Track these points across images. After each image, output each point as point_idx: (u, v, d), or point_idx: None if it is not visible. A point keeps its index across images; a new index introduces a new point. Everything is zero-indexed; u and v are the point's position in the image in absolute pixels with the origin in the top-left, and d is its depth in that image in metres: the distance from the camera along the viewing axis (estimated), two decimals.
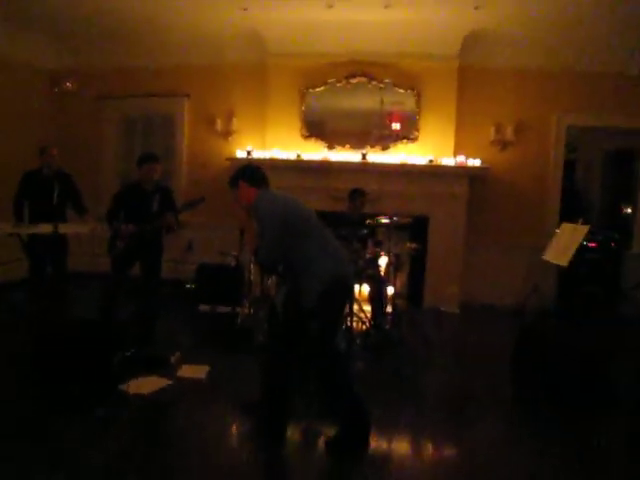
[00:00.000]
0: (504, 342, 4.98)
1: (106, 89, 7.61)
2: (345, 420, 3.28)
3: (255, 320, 5.34)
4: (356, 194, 5.66)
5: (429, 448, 3.38)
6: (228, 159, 7.12)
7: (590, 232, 5.11)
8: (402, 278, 6.31)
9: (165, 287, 5.21)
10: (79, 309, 5.44)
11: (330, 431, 3.31)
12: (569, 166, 7.69)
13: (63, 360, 3.88)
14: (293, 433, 3.43)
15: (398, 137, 6.87)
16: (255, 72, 7.18)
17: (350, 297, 3.91)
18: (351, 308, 4.90)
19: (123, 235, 4.77)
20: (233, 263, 5.97)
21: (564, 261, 4.71)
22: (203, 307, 6.03)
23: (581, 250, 4.93)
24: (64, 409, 3.55)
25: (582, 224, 4.92)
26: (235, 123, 7.27)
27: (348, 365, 3.53)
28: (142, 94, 7.47)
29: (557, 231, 5.31)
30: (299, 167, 6.85)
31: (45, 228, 4.73)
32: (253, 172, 3.48)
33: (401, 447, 3.38)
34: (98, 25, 6.72)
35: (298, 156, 6.88)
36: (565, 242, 4.89)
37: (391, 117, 6.89)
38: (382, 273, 5.61)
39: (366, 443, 3.26)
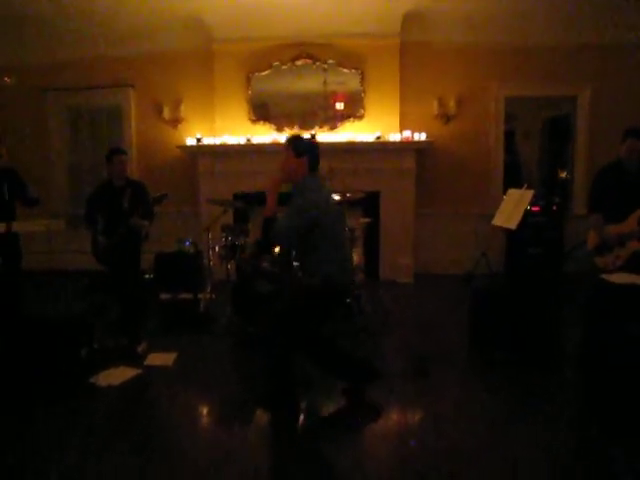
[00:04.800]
0: (457, 307, 5.23)
1: (50, 82, 7.44)
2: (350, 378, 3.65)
3: (218, 305, 5.43)
4: None
5: (394, 416, 3.48)
6: (179, 147, 7.13)
7: (533, 197, 5.38)
8: (358, 253, 6.47)
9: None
10: (38, 306, 5.44)
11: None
12: (510, 136, 7.99)
13: (29, 357, 3.91)
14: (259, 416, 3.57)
15: (345, 116, 7.00)
16: (200, 58, 7.16)
17: (340, 304, 4.12)
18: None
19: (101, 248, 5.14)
20: (192, 250, 6.00)
21: (512, 224, 4.96)
22: (164, 296, 6.02)
23: (525, 214, 5.21)
24: (34, 405, 3.56)
25: (527, 189, 5.17)
26: (183, 111, 7.25)
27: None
28: (86, 86, 7.36)
29: (504, 197, 5.56)
30: (250, 151, 6.91)
31: None
32: (317, 157, 3.50)
33: (366, 417, 3.48)
34: (36, 17, 6.55)
35: (248, 140, 6.93)
36: (512, 207, 5.13)
37: (335, 97, 7.01)
38: None
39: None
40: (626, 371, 3.48)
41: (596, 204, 4.25)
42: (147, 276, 6.32)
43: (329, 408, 3.61)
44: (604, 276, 3.78)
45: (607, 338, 3.59)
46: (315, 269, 3.44)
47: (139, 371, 4.10)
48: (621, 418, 3.27)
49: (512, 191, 5.38)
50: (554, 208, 6.71)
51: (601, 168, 4.35)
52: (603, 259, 4.03)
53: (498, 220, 5.22)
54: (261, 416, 3.49)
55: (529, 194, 5.02)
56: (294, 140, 3.56)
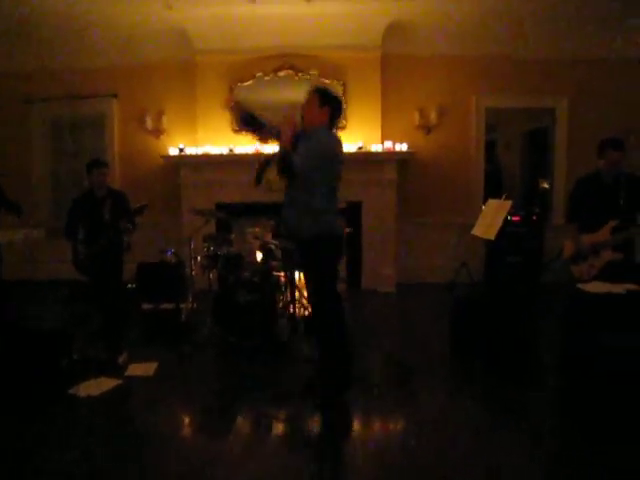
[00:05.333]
0: (439, 316, 5.26)
1: (32, 92, 7.41)
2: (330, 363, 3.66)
3: (199, 314, 5.42)
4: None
5: (376, 424, 3.49)
6: (163, 156, 7.12)
7: (513, 207, 5.45)
8: (341, 262, 6.48)
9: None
10: (18, 316, 5.38)
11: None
12: (491, 146, 8.10)
13: (10, 367, 3.88)
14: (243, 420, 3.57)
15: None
16: (183, 69, 7.19)
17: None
18: (293, 294, 5.08)
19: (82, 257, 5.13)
20: (174, 260, 5.98)
21: (491, 235, 5.01)
22: (146, 306, 5.99)
23: (505, 224, 5.27)
24: (16, 416, 3.53)
25: (506, 199, 5.23)
26: (165, 121, 7.27)
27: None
28: (69, 96, 7.32)
29: (483, 207, 5.62)
30: (233, 161, 6.93)
31: None
32: (338, 112, 3.67)
33: (348, 426, 3.48)
34: (19, 27, 6.53)
35: (230, 150, 6.95)
36: (491, 217, 5.18)
37: None
38: None
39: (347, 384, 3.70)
40: (604, 379, 3.53)
41: (573, 214, 4.32)
42: (129, 286, 6.29)
43: (310, 420, 3.59)
44: (580, 285, 3.84)
45: (582, 347, 3.64)
46: (314, 223, 3.58)
47: (119, 381, 4.07)
48: (602, 425, 3.30)
49: (491, 201, 5.44)
50: (534, 218, 6.79)
51: (579, 178, 4.42)
52: (578, 268, 4.10)
53: (477, 230, 5.27)
54: (242, 426, 3.49)
55: (507, 204, 5.08)
56: (321, 89, 3.70)
